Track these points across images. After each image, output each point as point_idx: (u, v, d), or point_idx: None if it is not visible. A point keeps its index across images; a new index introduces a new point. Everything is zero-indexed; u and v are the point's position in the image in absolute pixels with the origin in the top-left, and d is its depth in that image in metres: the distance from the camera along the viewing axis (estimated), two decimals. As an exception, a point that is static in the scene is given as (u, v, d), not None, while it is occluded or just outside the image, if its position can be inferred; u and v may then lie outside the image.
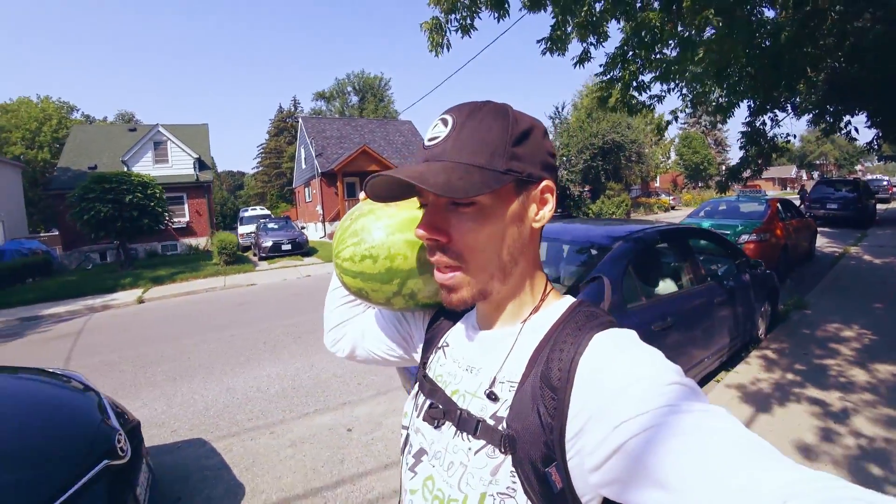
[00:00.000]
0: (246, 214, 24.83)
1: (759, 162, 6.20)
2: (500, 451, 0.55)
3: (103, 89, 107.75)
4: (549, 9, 3.65)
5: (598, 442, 0.47)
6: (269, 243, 15.54)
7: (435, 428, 0.64)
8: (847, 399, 3.37)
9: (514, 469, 0.54)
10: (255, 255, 17.17)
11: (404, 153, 26.11)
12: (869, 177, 39.81)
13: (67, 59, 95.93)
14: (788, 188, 39.65)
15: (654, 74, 4.28)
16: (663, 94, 5.24)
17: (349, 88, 54.47)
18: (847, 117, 6.52)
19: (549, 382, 0.53)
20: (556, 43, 3.81)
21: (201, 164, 23.23)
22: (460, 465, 0.59)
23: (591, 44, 4.19)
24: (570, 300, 0.63)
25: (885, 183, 29.23)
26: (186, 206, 22.40)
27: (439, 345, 0.72)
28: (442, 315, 0.76)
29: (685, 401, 0.44)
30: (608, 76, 4.71)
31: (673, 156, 41.82)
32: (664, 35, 3.61)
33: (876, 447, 2.78)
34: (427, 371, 0.71)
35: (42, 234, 32.47)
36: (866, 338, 4.62)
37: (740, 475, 0.37)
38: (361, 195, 0.73)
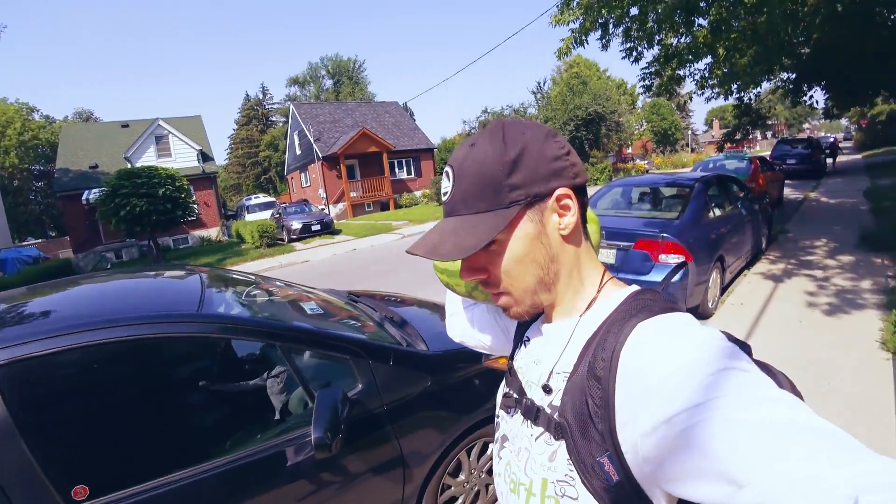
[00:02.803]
0: (250, 203, 25.70)
1: (749, 128, 8.18)
2: (554, 438, 0.57)
3: (54, 88, 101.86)
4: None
5: (649, 432, 0.45)
6: (298, 225, 16.45)
7: (510, 416, 0.69)
8: (826, 272, 5.47)
9: (569, 457, 0.55)
10: (278, 239, 18.02)
11: (396, 133, 27.15)
12: (816, 134, 43.65)
13: (10, 57, 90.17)
14: (746, 149, 43.09)
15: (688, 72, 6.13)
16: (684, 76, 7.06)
17: (323, 72, 54.34)
18: (810, 91, 8.62)
19: (594, 373, 0.53)
20: (630, 52, 5.63)
21: (204, 156, 23.80)
22: (525, 450, 0.63)
23: (644, 48, 5.97)
24: (628, 291, 0.62)
25: (831, 140, 32.68)
26: (195, 198, 22.95)
27: (523, 339, 0.74)
28: None
29: (738, 387, 0.42)
30: (651, 70, 6.50)
31: (644, 124, 44.59)
32: (705, 49, 5.46)
33: (845, 289, 4.82)
34: (513, 363, 0.74)
35: (32, 241, 32.05)
36: (830, 244, 6.79)
37: (807, 466, 0.35)
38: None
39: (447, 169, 0.62)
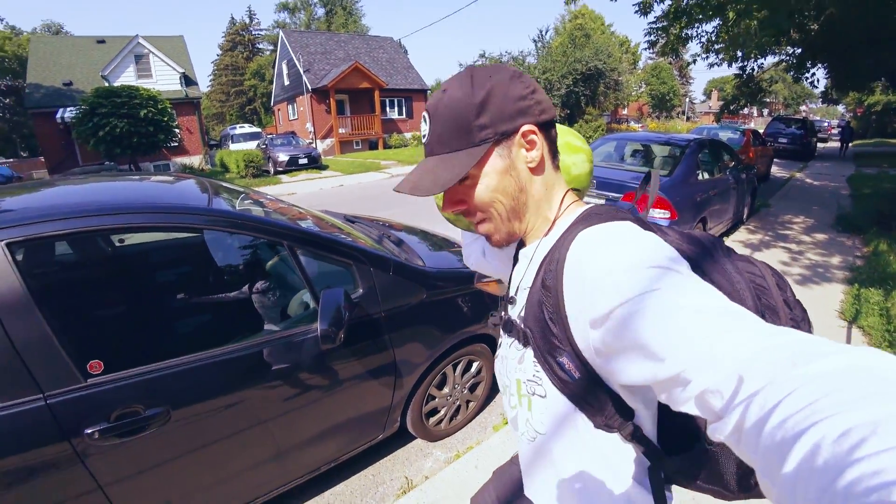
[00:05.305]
0: (235, 133, 24.84)
1: (747, 100, 8.18)
2: (522, 344, 0.66)
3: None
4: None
5: (594, 328, 0.52)
6: (285, 158, 16.08)
7: (501, 332, 0.78)
8: (800, 246, 5.72)
9: (535, 360, 0.63)
10: (264, 170, 17.54)
11: (389, 70, 26.07)
12: (812, 117, 43.90)
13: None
14: (740, 123, 43.17)
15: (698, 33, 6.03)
16: (691, 36, 6.94)
17: (314, 0, 51.23)
18: (813, 69, 8.60)
19: (545, 284, 0.60)
20: (643, 6, 5.48)
21: (187, 80, 22.65)
22: (505, 357, 0.74)
23: (656, 1, 5.83)
24: (584, 207, 0.68)
25: (825, 124, 33.03)
26: (177, 122, 21.98)
27: (514, 264, 0.80)
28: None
29: (665, 282, 0.47)
30: (659, 26, 6.36)
31: (643, 86, 43.84)
32: (716, 10, 5.36)
33: (816, 263, 5.07)
34: (508, 288, 0.81)
35: (3, 160, 30.27)
36: (808, 222, 7.03)
37: (709, 342, 0.41)
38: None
39: (424, 113, 0.67)
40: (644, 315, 0.46)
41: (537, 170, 0.66)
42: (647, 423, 0.62)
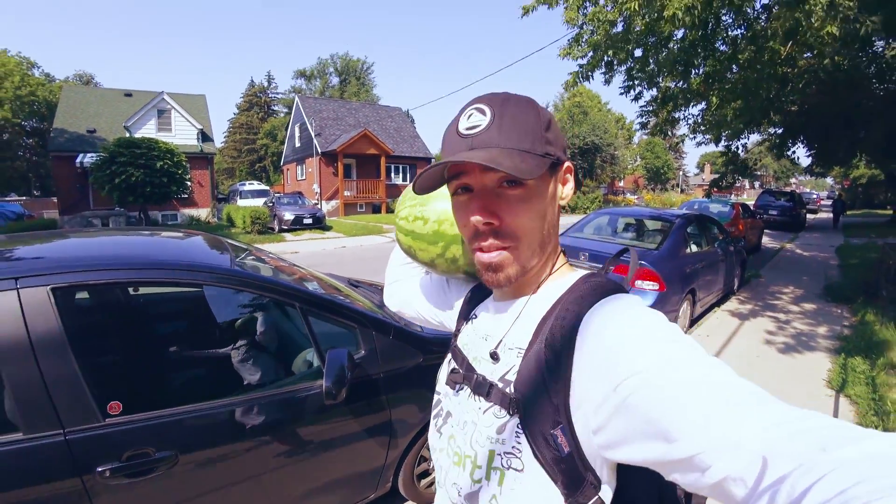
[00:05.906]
0: (244, 189, 25.65)
1: (735, 176, 8.72)
2: (507, 412, 0.58)
3: (54, 42, 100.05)
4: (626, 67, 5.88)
5: (600, 402, 0.48)
6: (291, 217, 16.55)
7: (455, 392, 0.70)
8: (788, 315, 5.89)
9: (519, 430, 0.56)
10: (269, 227, 18.00)
11: (396, 138, 27.46)
12: (801, 189, 45.52)
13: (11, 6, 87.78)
14: (733, 195, 44.62)
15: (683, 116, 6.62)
16: (679, 118, 7.52)
17: (331, 69, 54.71)
18: (794, 147, 9.25)
19: (552, 348, 0.55)
20: (629, 90, 6.05)
21: (204, 136, 23.78)
22: (472, 423, 0.63)
23: (644, 88, 6.38)
24: (580, 273, 0.65)
25: (814, 196, 34.32)
26: (190, 176, 22.83)
27: (469, 317, 0.76)
28: (477, 290, 0.80)
29: (680, 355, 0.46)
30: (649, 109, 6.92)
31: (638, 160, 45.95)
32: (698, 97, 5.93)
33: (803, 332, 5.20)
34: (457, 341, 0.76)
35: (15, 198, 31.34)
36: (797, 292, 7.24)
37: (726, 423, 0.38)
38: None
39: (481, 105, 0.59)
40: (656, 390, 0.44)
41: (558, 211, 0.65)
42: (609, 498, 0.59)
